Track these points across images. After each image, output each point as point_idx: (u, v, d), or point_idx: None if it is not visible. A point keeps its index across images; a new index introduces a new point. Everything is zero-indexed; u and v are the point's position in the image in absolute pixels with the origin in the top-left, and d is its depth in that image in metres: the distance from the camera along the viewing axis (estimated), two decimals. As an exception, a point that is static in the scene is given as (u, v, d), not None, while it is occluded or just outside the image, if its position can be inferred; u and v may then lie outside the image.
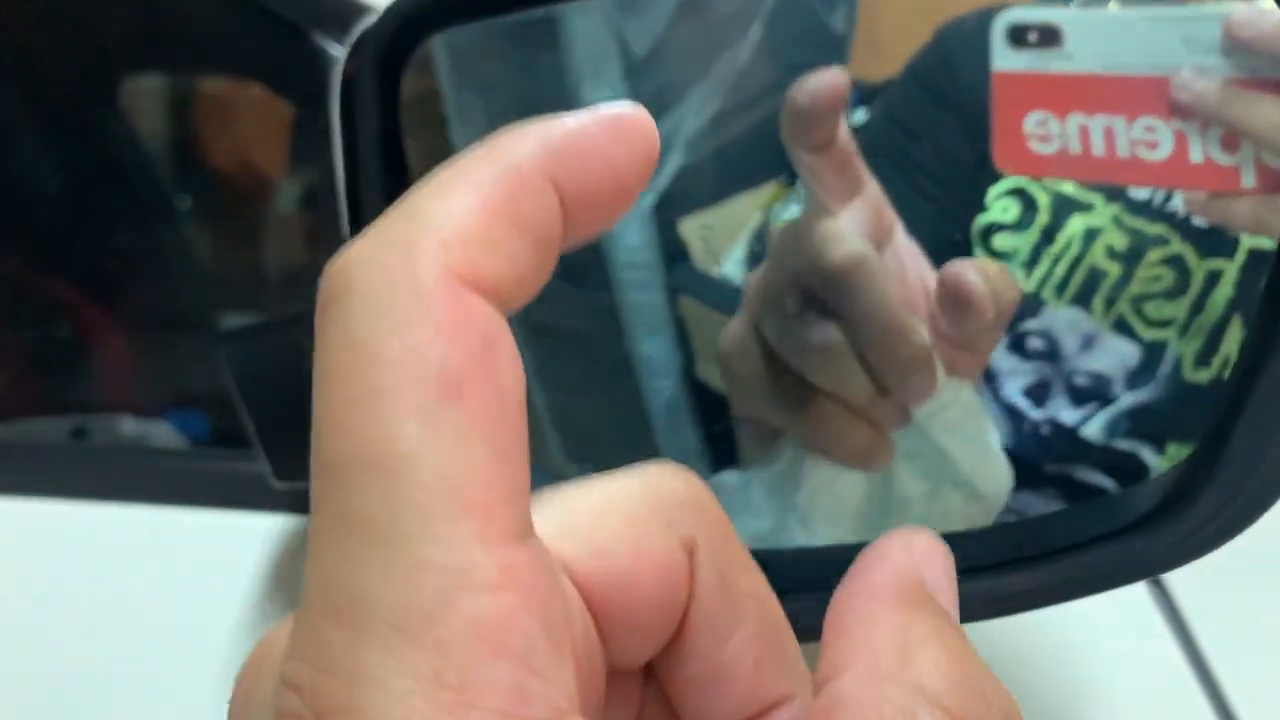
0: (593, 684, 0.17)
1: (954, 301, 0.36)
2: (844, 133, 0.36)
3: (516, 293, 0.16)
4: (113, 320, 0.82)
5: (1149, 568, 0.35)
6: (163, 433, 0.72)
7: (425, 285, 0.15)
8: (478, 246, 0.16)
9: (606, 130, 0.17)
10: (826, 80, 0.35)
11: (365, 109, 0.33)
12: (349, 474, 0.15)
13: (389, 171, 0.33)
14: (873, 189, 0.38)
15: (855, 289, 0.36)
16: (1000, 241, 0.66)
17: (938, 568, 0.19)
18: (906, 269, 0.38)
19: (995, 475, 0.46)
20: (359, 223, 0.34)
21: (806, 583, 0.37)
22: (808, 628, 0.31)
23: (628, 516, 0.17)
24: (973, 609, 0.34)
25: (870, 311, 0.36)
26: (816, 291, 0.37)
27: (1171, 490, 0.33)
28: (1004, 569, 0.35)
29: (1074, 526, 0.36)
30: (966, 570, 0.34)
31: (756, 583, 0.19)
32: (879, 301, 0.36)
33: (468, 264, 0.15)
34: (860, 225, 0.37)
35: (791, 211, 0.76)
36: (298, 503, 0.53)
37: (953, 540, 0.40)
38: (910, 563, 0.18)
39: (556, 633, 0.15)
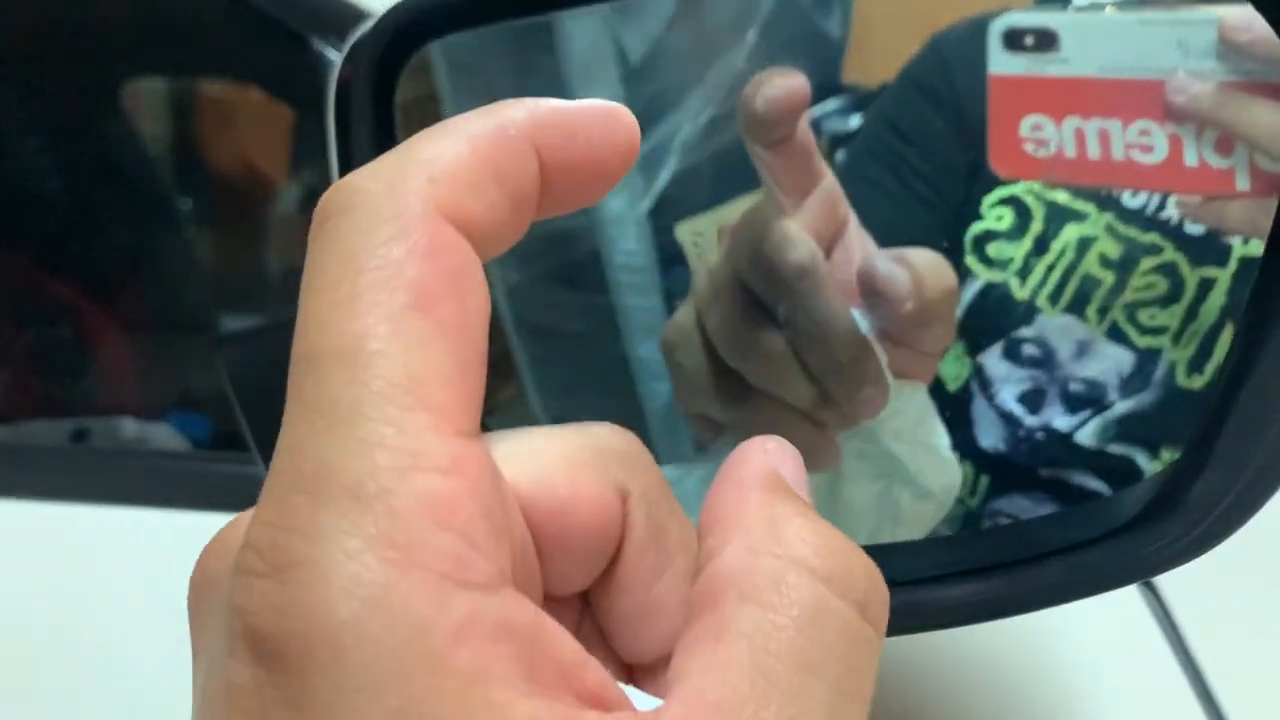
0: (529, 592, 0.19)
1: (868, 290, 0.36)
2: (802, 127, 0.34)
3: (491, 239, 0.18)
4: (114, 321, 0.82)
5: (1137, 572, 0.35)
6: (163, 434, 0.72)
7: (410, 210, 0.17)
8: (461, 187, 0.17)
9: (591, 116, 0.19)
10: (783, 86, 0.33)
11: (359, 115, 0.33)
12: (323, 364, 0.16)
13: None
14: (828, 182, 0.36)
15: (802, 299, 0.35)
16: (994, 250, 0.66)
17: (790, 465, 0.20)
18: (855, 262, 0.37)
19: (944, 474, 0.45)
20: None
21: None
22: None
23: (567, 457, 0.19)
24: (966, 612, 0.34)
25: (816, 323, 0.35)
26: (762, 293, 0.35)
27: (1158, 495, 0.33)
28: (994, 573, 0.34)
29: (1063, 531, 0.35)
30: (958, 574, 0.34)
31: (686, 533, 0.20)
32: (825, 314, 0.35)
33: (450, 200, 0.17)
34: (813, 222, 0.36)
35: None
36: None
37: (944, 545, 0.40)
38: (768, 461, 0.20)
39: (495, 520, 0.16)
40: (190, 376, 0.80)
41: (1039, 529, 0.41)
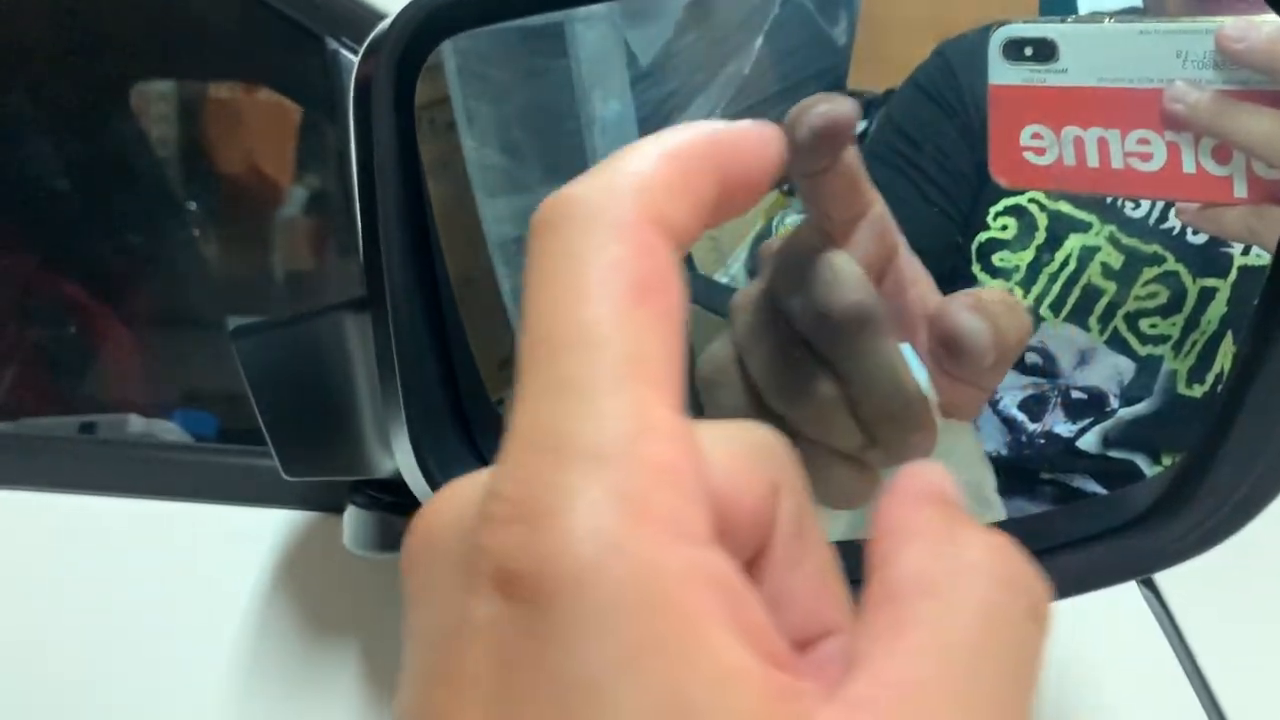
0: None
1: (948, 346, 0.33)
2: (849, 153, 0.32)
3: (683, 241, 0.21)
4: (120, 320, 0.83)
5: (1149, 564, 0.35)
6: (169, 432, 0.73)
7: (625, 216, 0.20)
8: (663, 197, 0.21)
9: (755, 138, 0.23)
10: (827, 113, 0.31)
11: (380, 112, 0.33)
12: (557, 348, 0.19)
13: (404, 173, 0.34)
14: (878, 208, 0.34)
15: (856, 345, 0.33)
16: (999, 259, 0.67)
17: (953, 487, 0.22)
18: (906, 292, 0.35)
19: (986, 517, 0.44)
20: (373, 224, 0.34)
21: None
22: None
23: (735, 450, 0.21)
24: None
25: (871, 372, 0.33)
26: (808, 334, 0.33)
27: (1167, 491, 0.34)
28: None
29: (1074, 524, 0.36)
30: None
31: (821, 533, 0.23)
32: (881, 363, 0.33)
33: (655, 208, 0.20)
34: (864, 253, 0.34)
35: (792, 220, 0.78)
36: (306, 498, 0.54)
37: None
38: (937, 481, 0.22)
39: (703, 487, 0.19)
40: (196, 375, 0.81)
41: (1049, 523, 0.41)
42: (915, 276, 0.36)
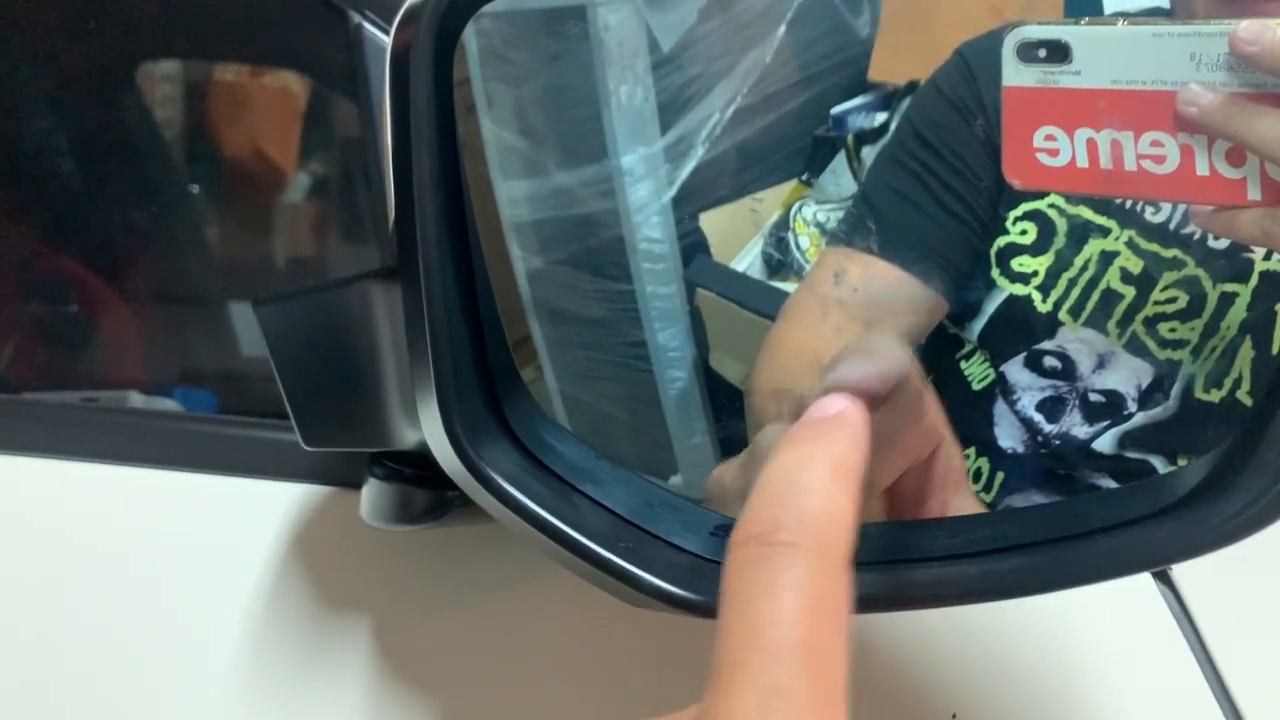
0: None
1: None
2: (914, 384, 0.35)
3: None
4: (121, 297, 0.85)
5: (1182, 552, 0.36)
6: (169, 410, 0.74)
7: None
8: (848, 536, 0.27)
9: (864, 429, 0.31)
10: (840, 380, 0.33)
11: (419, 78, 0.34)
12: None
13: (441, 141, 0.35)
14: (931, 408, 0.38)
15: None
16: (1018, 263, 0.69)
17: None
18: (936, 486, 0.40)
19: None
20: (408, 191, 0.35)
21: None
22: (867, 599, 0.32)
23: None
24: (1014, 586, 0.36)
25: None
26: None
27: (1207, 478, 0.35)
28: (1039, 548, 0.36)
29: (1110, 509, 0.38)
30: (1004, 549, 0.36)
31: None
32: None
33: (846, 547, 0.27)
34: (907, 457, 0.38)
35: (809, 212, 0.80)
36: (317, 472, 0.56)
37: (992, 520, 0.42)
38: None
39: None
40: (196, 354, 0.83)
41: (1086, 507, 0.43)
42: (949, 462, 0.39)
